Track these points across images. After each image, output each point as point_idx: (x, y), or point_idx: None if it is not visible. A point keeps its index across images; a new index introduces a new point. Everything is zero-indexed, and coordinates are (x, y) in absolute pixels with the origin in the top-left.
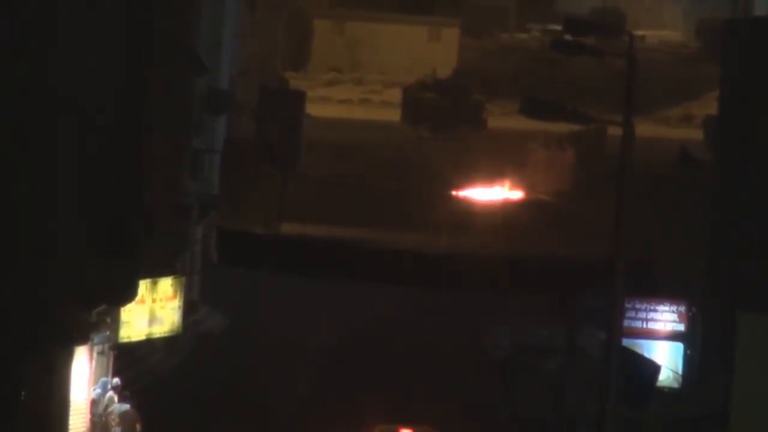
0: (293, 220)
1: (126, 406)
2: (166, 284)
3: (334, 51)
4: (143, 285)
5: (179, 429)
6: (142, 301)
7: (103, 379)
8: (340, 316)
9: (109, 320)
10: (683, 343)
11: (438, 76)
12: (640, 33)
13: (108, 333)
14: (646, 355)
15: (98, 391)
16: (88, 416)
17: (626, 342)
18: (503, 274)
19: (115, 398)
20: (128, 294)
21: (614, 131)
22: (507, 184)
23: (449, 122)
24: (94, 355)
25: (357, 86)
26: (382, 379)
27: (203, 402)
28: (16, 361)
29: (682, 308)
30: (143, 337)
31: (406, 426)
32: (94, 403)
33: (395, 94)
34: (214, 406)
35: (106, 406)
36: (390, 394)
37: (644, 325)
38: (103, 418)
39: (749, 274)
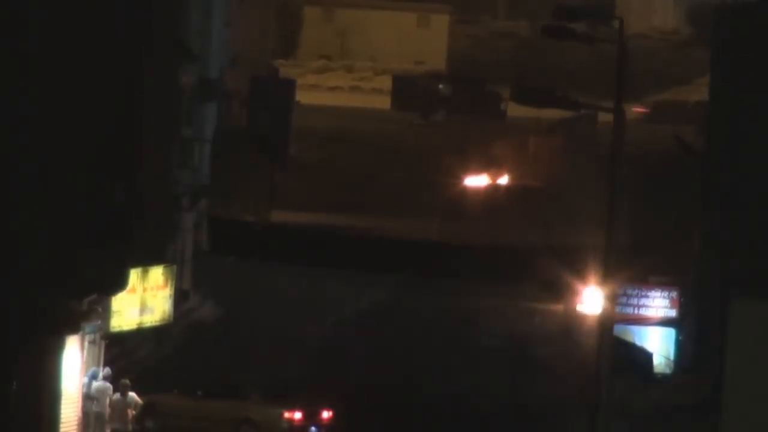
0: (284, 208)
1: (117, 394)
2: (157, 273)
3: (324, 38)
4: (134, 274)
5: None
6: (133, 290)
7: (93, 368)
8: (331, 303)
9: (100, 309)
10: (675, 329)
11: (428, 65)
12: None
13: (99, 322)
14: (637, 341)
15: (85, 380)
16: (80, 405)
17: (618, 328)
18: (495, 262)
19: (110, 387)
20: (119, 283)
21: (605, 117)
22: (498, 170)
23: (467, 113)
24: (86, 344)
25: (347, 73)
26: (367, 365)
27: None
28: (7, 351)
29: (674, 294)
30: (134, 327)
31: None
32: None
33: (385, 81)
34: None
35: (107, 397)
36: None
37: (636, 311)
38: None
39: (741, 260)
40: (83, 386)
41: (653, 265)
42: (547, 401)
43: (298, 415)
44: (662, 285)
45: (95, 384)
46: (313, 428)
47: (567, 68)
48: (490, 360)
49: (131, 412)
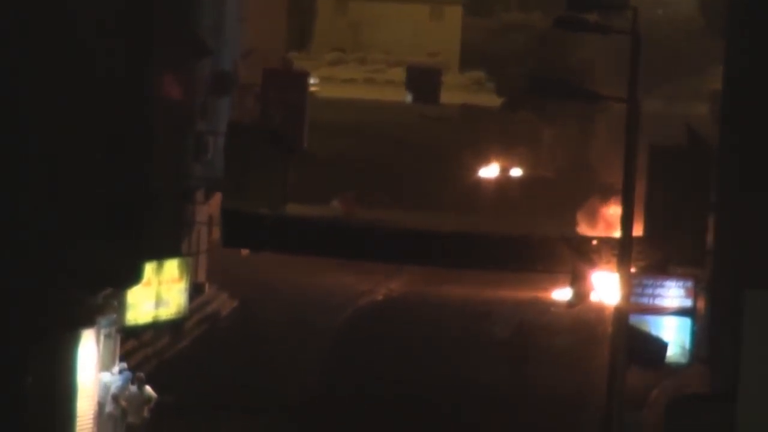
0: (298, 200)
1: (133, 387)
2: (172, 266)
3: (338, 31)
4: (149, 267)
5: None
6: (148, 284)
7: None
8: (346, 295)
9: (115, 303)
10: (691, 319)
11: (441, 56)
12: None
13: (114, 316)
14: (653, 331)
15: (119, 384)
16: (96, 400)
17: (633, 318)
18: (510, 252)
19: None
20: (134, 276)
21: (620, 108)
22: (512, 161)
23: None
24: (101, 338)
25: (360, 66)
26: (379, 356)
27: (212, 385)
28: (23, 345)
29: (689, 284)
30: (150, 320)
31: None
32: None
33: (399, 73)
34: (223, 390)
35: (124, 389)
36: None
37: (651, 301)
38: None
39: (757, 250)
40: (116, 390)
41: (669, 254)
42: (559, 391)
43: None
44: (678, 275)
45: (116, 381)
46: None
47: (581, 59)
48: (503, 351)
49: (146, 407)
